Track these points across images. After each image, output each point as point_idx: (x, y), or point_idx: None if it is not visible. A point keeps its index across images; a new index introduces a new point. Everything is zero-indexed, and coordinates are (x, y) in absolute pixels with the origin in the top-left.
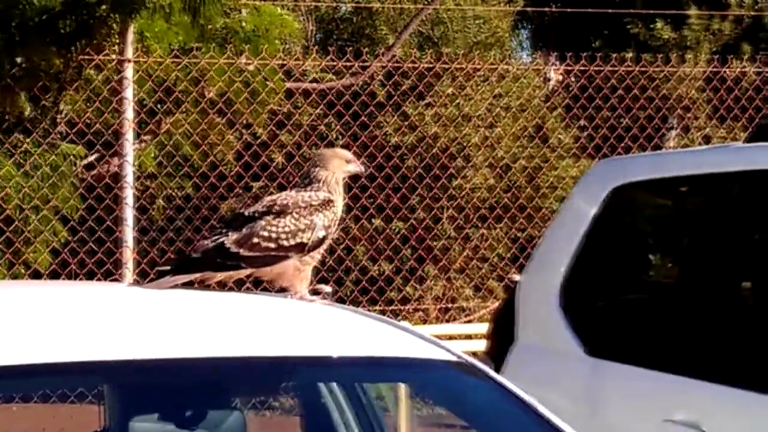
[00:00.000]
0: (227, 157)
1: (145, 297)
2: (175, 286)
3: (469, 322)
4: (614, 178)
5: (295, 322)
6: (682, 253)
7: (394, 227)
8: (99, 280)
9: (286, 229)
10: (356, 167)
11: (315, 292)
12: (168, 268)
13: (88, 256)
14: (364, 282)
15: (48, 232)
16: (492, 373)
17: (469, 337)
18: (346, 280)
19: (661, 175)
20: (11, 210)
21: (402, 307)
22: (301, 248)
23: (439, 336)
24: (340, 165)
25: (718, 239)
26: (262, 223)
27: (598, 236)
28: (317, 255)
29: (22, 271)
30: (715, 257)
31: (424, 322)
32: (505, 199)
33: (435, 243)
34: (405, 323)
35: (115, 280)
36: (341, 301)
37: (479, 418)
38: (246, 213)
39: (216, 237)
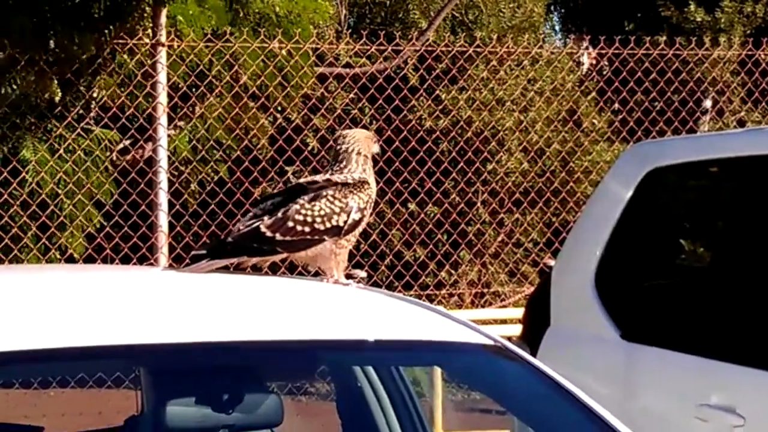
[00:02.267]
0: (261, 142)
1: (181, 281)
2: (211, 271)
3: (504, 307)
4: (648, 161)
5: (330, 306)
6: (717, 237)
7: (428, 212)
8: (134, 264)
9: (321, 212)
10: (377, 147)
11: (349, 277)
12: (203, 252)
13: (122, 241)
14: (399, 267)
15: (82, 217)
16: (527, 356)
17: (503, 321)
18: (381, 265)
19: (696, 158)
20: (46, 195)
21: (437, 292)
22: (337, 231)
23: (473, 321)
24: (369, 145)
25: (753, 222)
26: (297, 206)
27: (632, 220)
28: (353, 238)
29: (57, 256)
30: (749, 240)
31: (459, 307)
32: (540, 184)
33: (469, 228)
34: (440, 307)
35: (150, 264)
36: (376, 286)
37: (514, 402)
38: (280, 195)
39: (250, 221)
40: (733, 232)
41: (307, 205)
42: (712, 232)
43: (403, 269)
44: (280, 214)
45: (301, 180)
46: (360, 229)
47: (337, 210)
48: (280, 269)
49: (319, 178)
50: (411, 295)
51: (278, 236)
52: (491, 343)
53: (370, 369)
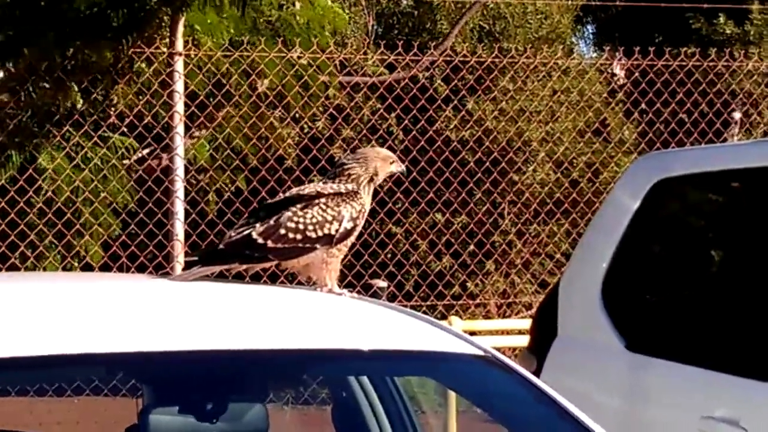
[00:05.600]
0: (280, 150)
1: (172, 289)
2: (204, 278)
3: (529, 317)
4: (656, 172)
5: (322, 315)
6: (724, 248)
7: (457, 222)
8: (150, 272)
9: (313, 220)
10: (398, 167)
11: (369, 287)
12: (195, 259)
13: (139, 249)
14: (430, 276)
15: (99, 225)
16: (517, 367)
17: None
18: (398, 274)
19: (703, 169)
20: (62, 203)
21: (466, 302)
22: (329, 240)
23: (498, 331)
24: (383, 166)
25: (760, 234)
26: (289, 214)
27: (639, 231)
28: (344, 247)
29: (74, 263)
30: (756, 253)
31: (486, 317)
32: (568, 195)
33: (497, 238)
34: (436, 319)
35: (166, 273)
36: (403, 295)
37: (503, 412)
38: (272, 202)
39: (243, 228)
40: (740, 244)
41: (300, 213)
42: (718, 244)
43: (426, 279)
44: (272, 221)
45: (293, 189)
46: (352, 238)
47: (330, 218)
48: (280, 279)
49: (312, 187)
50: (439, 305)
51: (270, 243)
52: (481, 353)
53: (365, 378)
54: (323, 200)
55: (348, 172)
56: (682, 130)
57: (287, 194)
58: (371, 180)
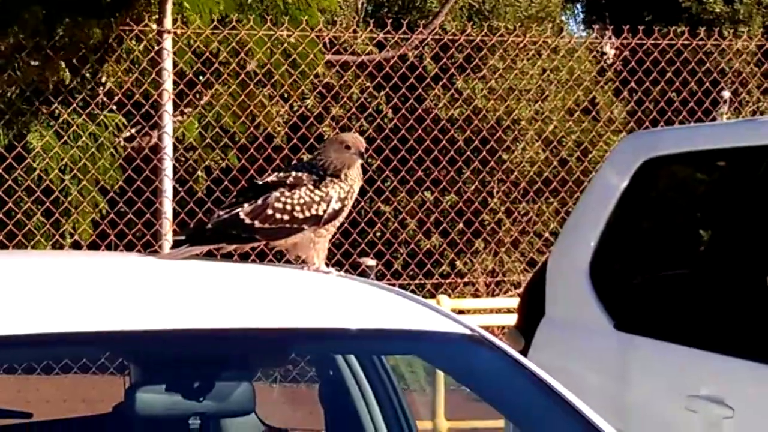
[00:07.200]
0: (269, 128)
1: (160, 267)
2: (193, 256)
3: (517, 296)
4: (645, 151)
5: (308, 294)
6: (711, 227)
7: (447, 200)
8: (138, 251)
9: (301, 200)
10: (353, 154)
11: (358, 265)
12: (183, 238)
13: (128, 227)
14: (404, 255)
15: (88, 204)
16: (504, 345)
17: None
18: (387, 252)
19: (692, 148)
20: (51, 181)
21: (456, 281)
22: (317, 220)
23: (488, 309)
24: (339, 154)
25: (747, 213)
26: (277, 194)
27: (627, 210)
28: (332, 228)
29: (62, 242)
30: (744, 231)
31: (475, 295)
32: (558, 174)
33: (487, 217)
34: (420, 297)
35: (155, 251)
36: (393, 273)
37: (489, 390)
38: (260, 183)
39: (230, 208)
40: (727, 223)
41: (287, 193)
42: (706, 223)
43: (415, 257)
44: (259, 202)
45: (280, 173)
46: (340, 219)
47: (317, 199)
48: (268, 258)
49: (300, 167)
50: (427, 284)
51: (257, 224)
52: (468, 332)
53: (352, 357)
54: (311, 181)
55: (318, 159)
56: (671, 109)
57: (276, 174)
58: (339, 169)
